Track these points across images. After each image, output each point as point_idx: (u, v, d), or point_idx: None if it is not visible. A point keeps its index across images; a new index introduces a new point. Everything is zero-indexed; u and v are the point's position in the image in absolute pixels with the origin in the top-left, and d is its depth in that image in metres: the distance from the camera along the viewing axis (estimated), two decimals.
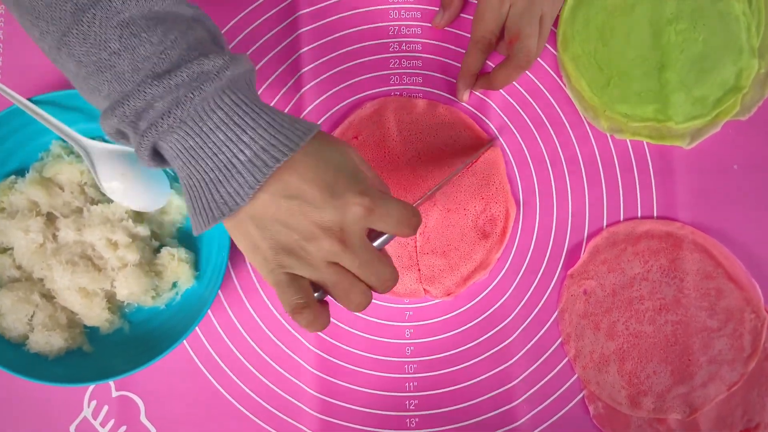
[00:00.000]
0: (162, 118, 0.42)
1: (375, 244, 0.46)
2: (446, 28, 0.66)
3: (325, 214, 0.43)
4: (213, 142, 0.42)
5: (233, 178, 0.42)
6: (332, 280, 0.45)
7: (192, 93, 0.41)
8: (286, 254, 0.44)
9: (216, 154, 0.42)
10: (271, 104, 0.65)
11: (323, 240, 0.44)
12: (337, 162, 0.45)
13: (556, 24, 0.66)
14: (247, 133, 0.42)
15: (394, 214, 0.45)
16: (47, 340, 0.58)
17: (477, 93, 0.65)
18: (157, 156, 0.45)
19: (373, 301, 0.63)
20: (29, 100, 0.58)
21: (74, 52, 0.42)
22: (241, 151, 0.42)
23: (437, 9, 0.66)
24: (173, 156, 0.43)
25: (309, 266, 0.44)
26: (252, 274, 0.64)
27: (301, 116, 0.65)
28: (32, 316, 0.58)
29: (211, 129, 0.42)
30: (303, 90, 0.65)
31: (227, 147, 0.42)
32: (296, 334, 0.63)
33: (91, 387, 0.62)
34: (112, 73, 0.42)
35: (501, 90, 0.65)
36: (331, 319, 0.62)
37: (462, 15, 0.66)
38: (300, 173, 0.43)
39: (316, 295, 0.46)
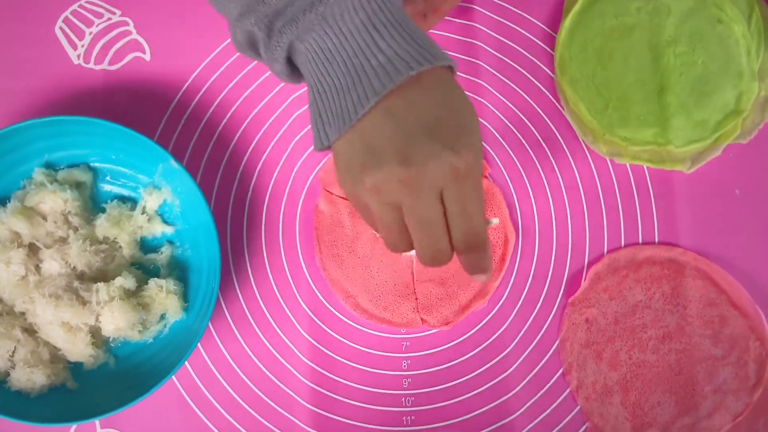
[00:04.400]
0: (303, 13, 0.40)
1: None
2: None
3: (402, 150, 0.40)
4: (350, 44, 0.40)
5: (360, 84, 0.40)
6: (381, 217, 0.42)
7: None
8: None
9: (351, 58, 0.40)
10: (272, 118, 0.63)
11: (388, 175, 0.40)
12: (457, 106, 0.41)
13: (553, 47, 0.65)
14: (384, 40, 0.40)
15: (475, 201, 0.41)
16: (29, 376, 0.56)
17: None
18: (289, 64, 0.44)
19: (367, 331, 0.62)
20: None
21: None
22: (375, 56, 0.40)
23: (432, 31, 0.65)
24: (307, 60, 0.42)
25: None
26: (243, 305, 0.62)
27: (300, 133, 0.63)
28: (13, 352, 0.56)
29: (350, 30, 0.40)
30: (304, 107, 0.64)
31: (362, 51, 0.40)
32: (289, 367, 0.61)
33: (75, 425, 0.59)
34: None
35: (497, 113, 0.64)
36: (325, 350, 0.61)
37: (462, 38, 0.65)
38: (410, 100, 0.40)
39: None
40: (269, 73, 0.64)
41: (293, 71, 0.45)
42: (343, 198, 0.63)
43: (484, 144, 0.64)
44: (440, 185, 0.41)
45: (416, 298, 0.62)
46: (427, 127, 0.40)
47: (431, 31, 0.65)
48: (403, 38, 0.41)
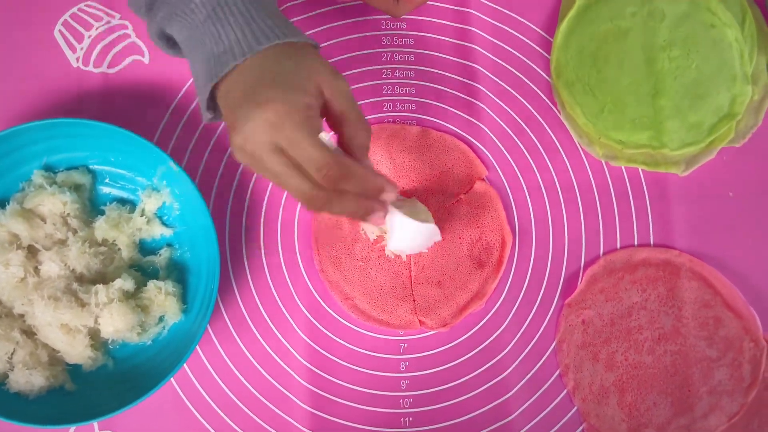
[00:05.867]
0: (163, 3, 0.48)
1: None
2: (437, 54, 0.65)
3: (234, 123, 0.44)
4: (201, 33, 0.46)
5: (212, 69, 0.46)
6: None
7: None
8: None
9: (203, 44, 0.46)
10: None
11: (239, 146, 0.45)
12: (282, 71, 0.44)
13: (549, 51, 0.65)
14: (225, 28, 0.45)
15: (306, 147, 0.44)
16: (28, 378, 0.56)
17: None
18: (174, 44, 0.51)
19: (365, 333, 0.62)
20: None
21: None
22: (216, 44, 0.46)
23: (429, 35, 0.65)
24: (181, 41, 0.49)
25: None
26: (242, 307, 0.62)
27: None
28: (12, 354, 0.56)
29: (201, 21, 0.46)
30: None
31: (210, 39, 0.46)
32: (288, 368, 0.61)
33: (74, 426, 0.59)
34: None
35: (494, 116, 0.65)
36: (323, 352, 0.61)
37: (456, 41, 0.65)
38: (243, 75, 0.45)
39: None
40: None
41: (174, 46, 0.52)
42: None
43: (481, 147, 0.64)
44: (265, 140, 0.44)
45: (414, 300, 0.62)
46: (244, 95, 0.44)
47: (429, 34, 0.65)
48: (240, 27, 0.45)
